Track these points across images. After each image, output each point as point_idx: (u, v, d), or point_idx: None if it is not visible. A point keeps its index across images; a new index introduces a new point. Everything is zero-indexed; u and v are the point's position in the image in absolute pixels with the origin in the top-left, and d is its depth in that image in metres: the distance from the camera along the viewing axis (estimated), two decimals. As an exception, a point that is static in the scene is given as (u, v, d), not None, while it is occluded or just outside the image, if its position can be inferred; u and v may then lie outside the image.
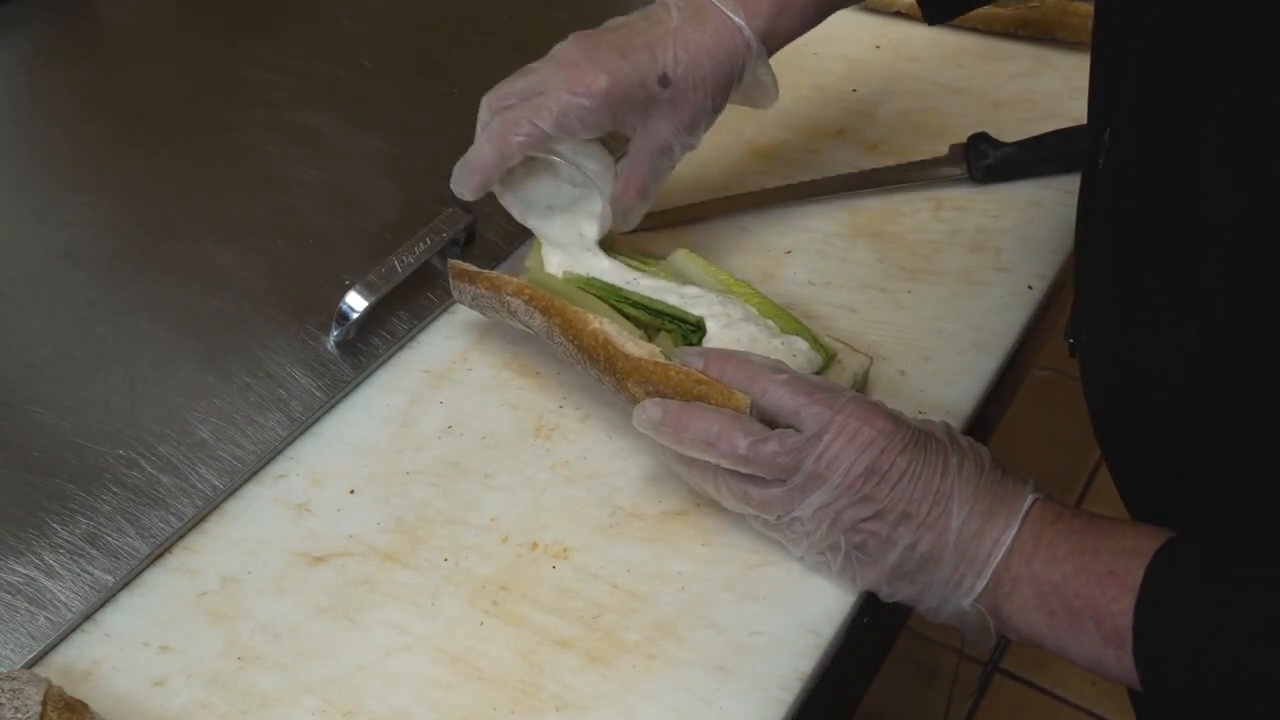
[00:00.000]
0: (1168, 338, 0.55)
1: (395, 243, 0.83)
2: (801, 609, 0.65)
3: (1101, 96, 0.66)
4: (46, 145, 1.00)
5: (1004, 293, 0.83)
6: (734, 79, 0.76)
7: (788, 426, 0.63)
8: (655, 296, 0.76)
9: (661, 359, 0.68)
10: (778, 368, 0.65)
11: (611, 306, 0.76)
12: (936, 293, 0.83)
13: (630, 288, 0.77)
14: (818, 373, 0.72)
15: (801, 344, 0.73)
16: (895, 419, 0.63)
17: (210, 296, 0.83)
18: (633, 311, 0.75)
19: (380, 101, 1.01)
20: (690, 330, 0.74)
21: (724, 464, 0.63)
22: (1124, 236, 0.60)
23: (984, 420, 0.78)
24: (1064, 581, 0.58)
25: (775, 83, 0.79)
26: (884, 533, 0.61)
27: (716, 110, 0.77)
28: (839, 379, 0.73)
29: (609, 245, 0.80)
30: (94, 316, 0.82)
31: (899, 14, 1.08)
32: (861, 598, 0.66)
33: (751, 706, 0.62)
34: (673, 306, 0.75)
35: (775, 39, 0.77)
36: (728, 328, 0.73)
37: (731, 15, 0.74)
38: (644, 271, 0.78)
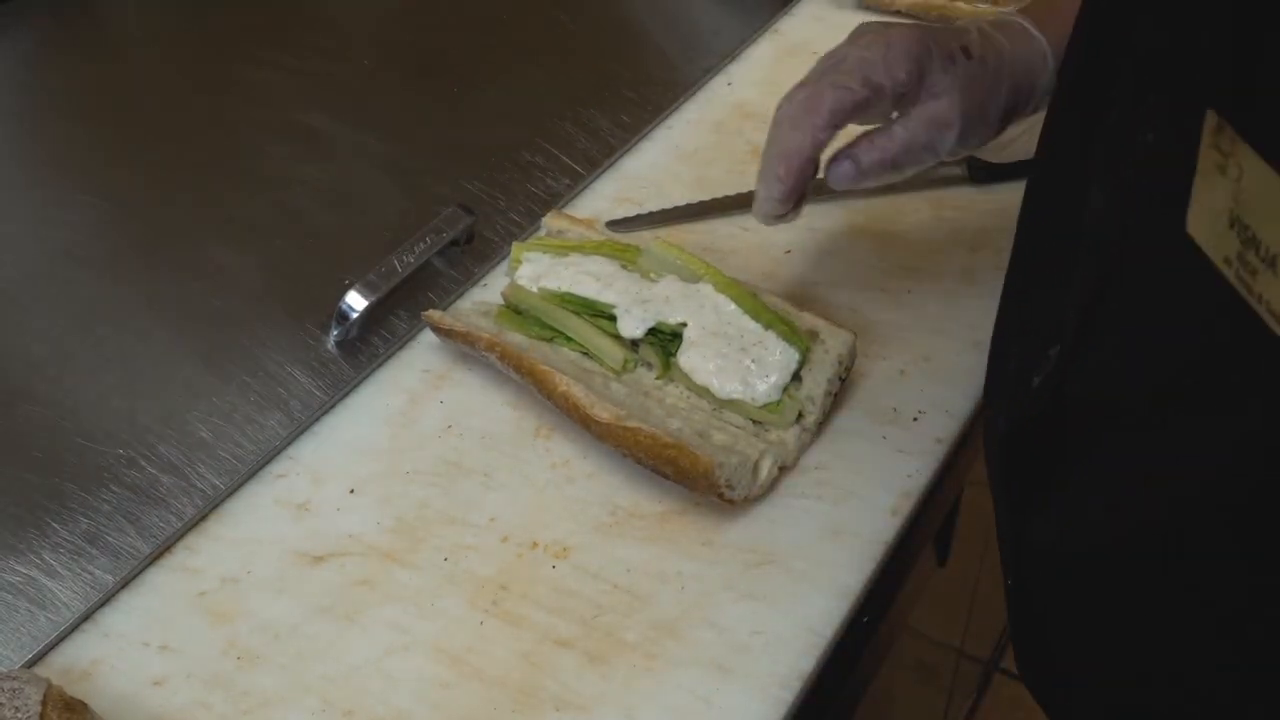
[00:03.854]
0: (1030, 358, 0.55)
1: (395, 242, 0.83)
2: (801, 609, 0.65)
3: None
4: (47, 145, 1.00)
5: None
6: (1026, 91, 0.70)
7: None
8: (634, 303, 0.75)
9: (629, 423, 0.69)
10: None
11: (589, 321, 0.76)
12: (937, 292, 0.83)
13: (603, 297, 0.76)
14: (800, 364, 0.72)
15: (776, 345, 0.72)
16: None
17: (210, 296, 0.83)
18: (610, 327, 0.76)
19: (380, 101, 1.01)
20: (668, 339, 0.74)
21: None
22: (1016, 249, 0.59)
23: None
24: None
25: (1036, 137, 0.72)
26: None
27: (1007, 113, 0.70)
28: (823, 360, 0.72)
29: (593, 242, 0.80)
30: (94, 316, 0.82)
31: (899, 14, 1.08)
32: (861, 597, 0.66)
33: (751, 706, 0.62)
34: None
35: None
36: (699, 342, 0.73)
37: (1030, 27, 0.70)
38: (621, 265, 0.78)
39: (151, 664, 0.65)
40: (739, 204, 0.91)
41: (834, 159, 0.68)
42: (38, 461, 0.72)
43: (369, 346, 0.80)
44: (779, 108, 0.67)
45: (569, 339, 0.77)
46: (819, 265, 0.86)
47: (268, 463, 0.75)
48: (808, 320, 0.74)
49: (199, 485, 0.72)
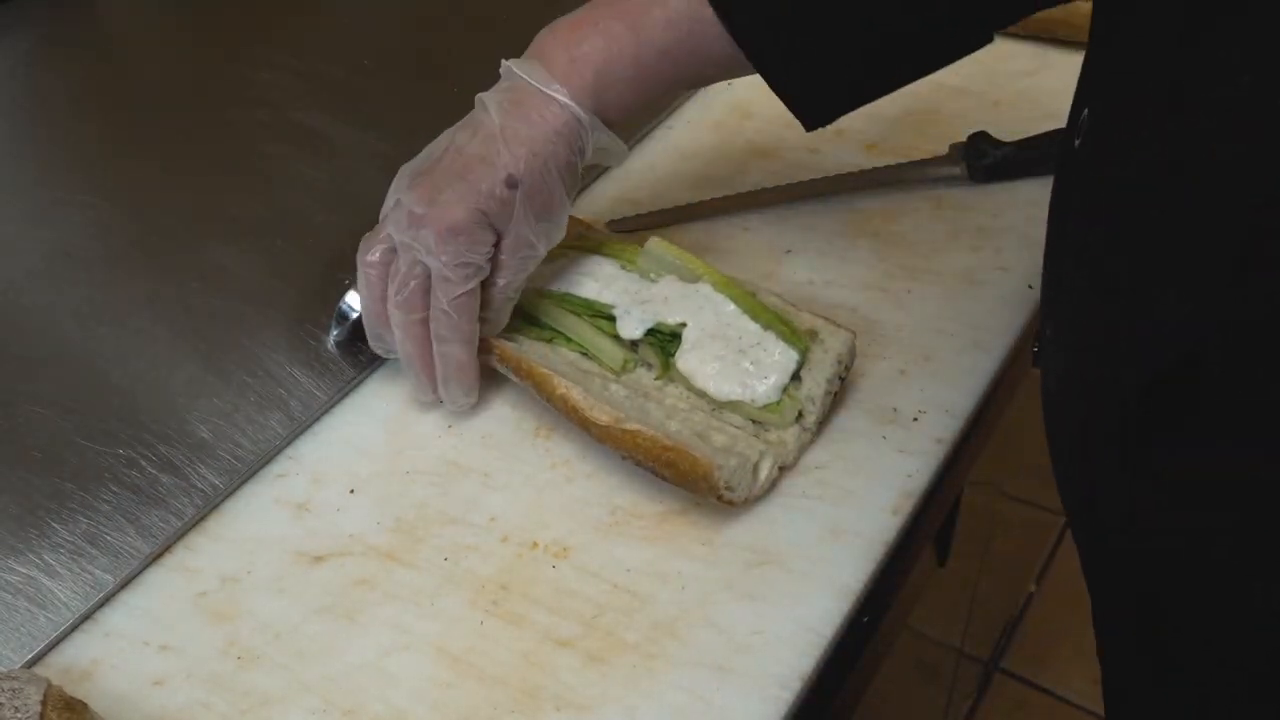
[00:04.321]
0: (1154, 310, 0.53)
1: (395, 242, 0.83)
2: (801, 609, 0.65)
3: (1082, 80, 0.65)
4: (46, 145, 1.00)
5: (1004, 292, 0.83)
6: (577, 155, 0.72)
7: None
8: (633, 303, 0.75)
9: (628, 425, 0.69)
10: None
11: (588, 322, 0.76)
12: (936, 292, 0.83)
13: (602, 298, 0.76)
14: (799, 364, 0.72)
15: (775, 345, 0.72)
16: None
17: (210, 296, 0.83)
18: (609, 327, 0.76)
19: (380, 101, 1.01)
20: (667, 340, 0.74)
21: None
22: (1099, 208, 0.59)
23: (983, 420, 0.78)
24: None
25: (621, 146, 0.75)
26: None
27: (572, 189, 0.74)
28: (822, 360, 0.72)
29: (593, 241, 0.80)
30: (94, 316, 0.82)
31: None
32: (861, 597, 0.66)
33: (751, 706, 0.62)
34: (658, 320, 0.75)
35: (609, 111, 0.72)
36: (699, 344, 0.73)
37: (555, 95, 0.71)
38: (621, 265, 0.78)
39: (151, 664, 0.65)
40: (739, 204, 0.91)
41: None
42: (38, 461, 0.72)
43: (369, 346, 0.80)
44: (399, 313, 0.74)
45: (568, 339, 0.77)
46: (819, 265, 0.86)
47: (267, 462, 0.75)
48: (807, 320, 0.74)
49: (199, 485, 0.72)
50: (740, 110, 1.01)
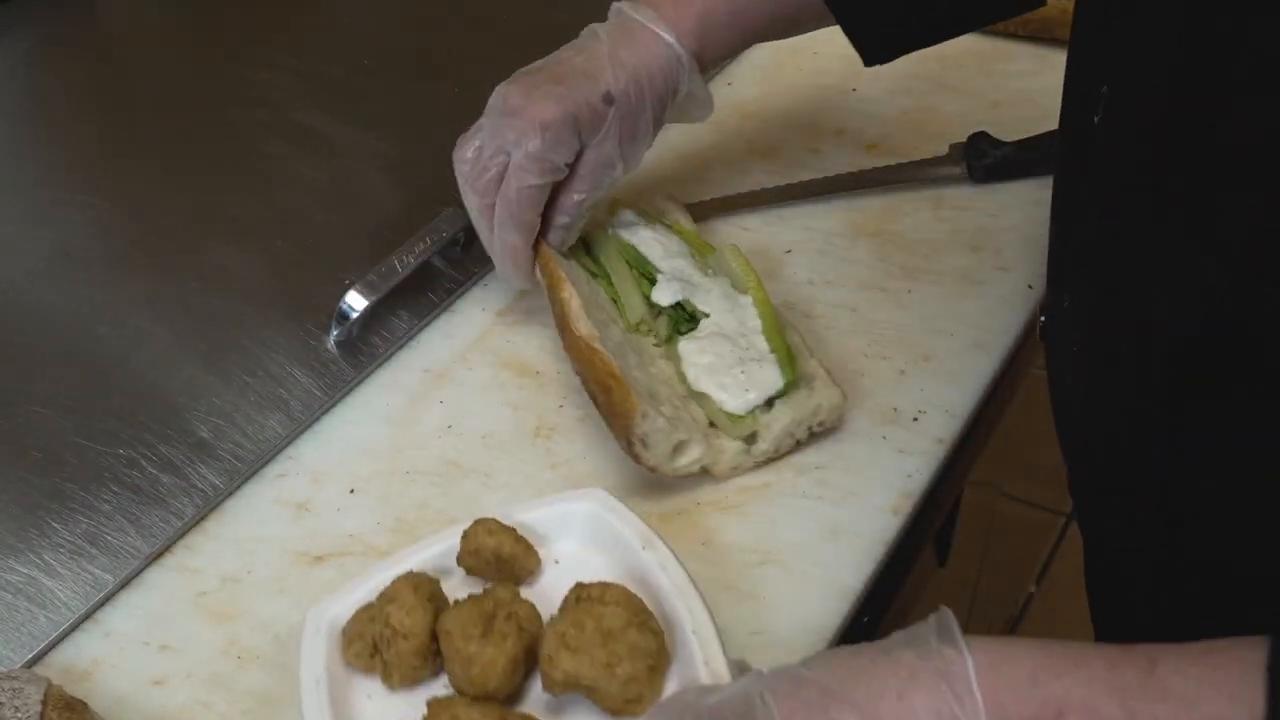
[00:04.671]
0: (1179, 275, 0.52)
1: (395, 242, 0.83)
2: (801, 609, 0.65)
3: (1094, 58, 0.64)
4: (46, 145, 1.00)
5: (1004, 292, 0.83)
6: (670, 93, 0.78)
7: None
8: (678, 280, 0.78)
9: (595, 345, 0.71)
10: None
11: (634, 275, 0.79)
12: (937, 292, 0.83)
13: (658, 263, 0.79)
14: (779, 393, 0.71)
15: (770, 371, 0.72)
16: None
17: (210, 296, 0.83)
18: (646, 288, 0.78)
19: (380, 101, 1.01)
20: (685, 319, 0.76)
21: None
22: (1129, 179, 0.58)
23: (983, 420, 0.78)
24: None
25: (709, 97, 0.80)
26: None
27: (657, 124, 0.78)
28: (802, 402, 0.71)
29: (681, 228, 0.84)
30: (94, 316, 0.82)
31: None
32: (861, 597, 0.66)
33: (751, 706, 0.61)
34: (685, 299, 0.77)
35: (705, 56, 0.78)
36: (709, 338, 0.74)
37: (662, 33, 0.76)
38: (690, 252, 0.81)
39: (152, 663, 0.65)
40: (739, 204, 0.91)
41: (542, 234, 0.78)
42: (38, 461, 0.72)
43: (369, 346, 0.80)
44: (463, 183, 0.77)
45: (609, 282, 0.79)
46: (819, 265, 0.86)
47: (268, 462, 0.75)
48: (813, 366, 0.74)
49: (199, 485, 0.72)
50: (740, 110, 1.01)
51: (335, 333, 0.80)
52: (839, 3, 0.78)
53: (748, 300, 0.76)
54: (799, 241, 0.88)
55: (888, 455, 0.73)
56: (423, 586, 0.62)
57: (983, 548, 1.15)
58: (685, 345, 0.74)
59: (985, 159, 0.91)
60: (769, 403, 0.72)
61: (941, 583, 0.97)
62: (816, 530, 0.69)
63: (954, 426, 0.74)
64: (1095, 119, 0.61)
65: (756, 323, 0.75)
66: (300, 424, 0.76)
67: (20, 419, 0.75)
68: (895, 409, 0.75)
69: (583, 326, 0.73)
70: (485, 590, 0.62)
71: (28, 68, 1.08)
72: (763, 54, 1.07)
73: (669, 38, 0.76)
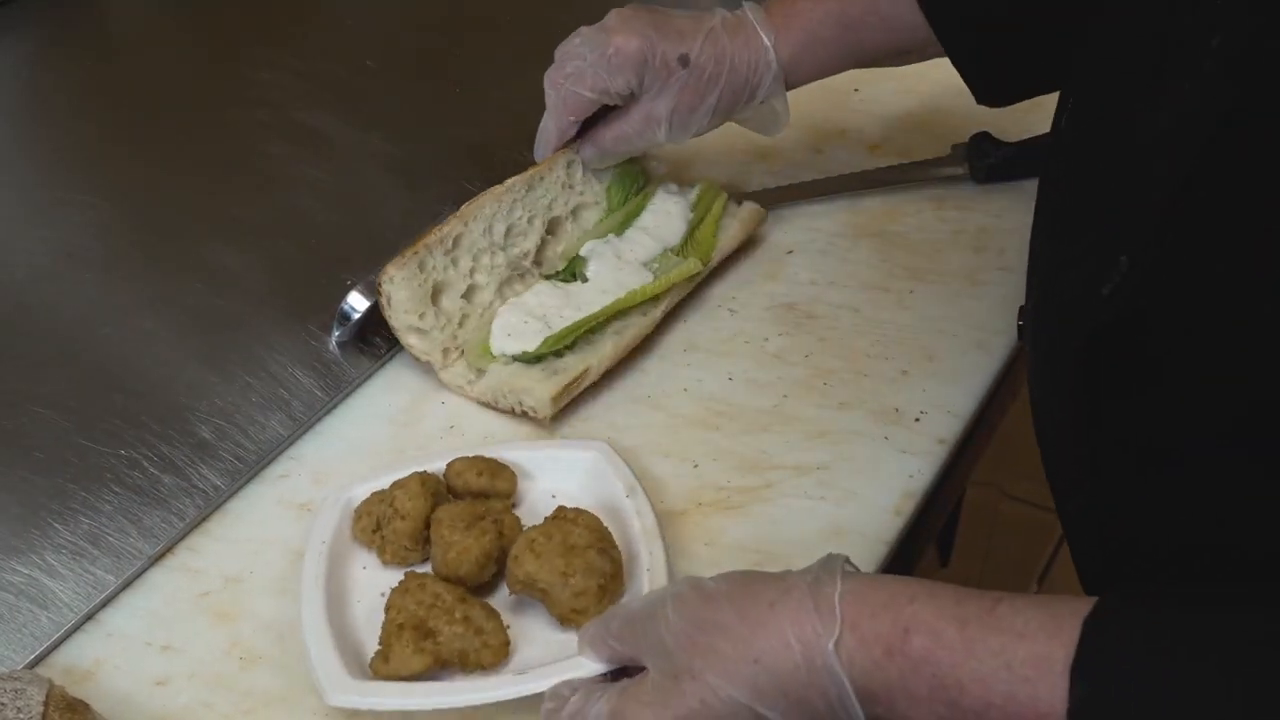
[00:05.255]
0: (1098, 270, 0.54)
1: (397, 242, 0.82)
2: (804, 609, 0.65)
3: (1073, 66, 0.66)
4: (47, 145, 1.00)
5: (1006, 292, 0.82)
6: (747, 92, 0.80)
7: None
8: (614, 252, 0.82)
9: (469, 206, 0.80)
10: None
11: (610, 214, 0.85)
12: (939, 292, 0.83)
13: (632, 233, 0.84)
14: (527, 357, 0.76)
15: (533, 336, 0.77)
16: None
17: (212, 296, 0.83)
18: (608, 225, 0.85)
19: (382, 101, 1.01)
20: (573, 265, 0.82)
21: None
22: (1069, 178, 0.60)
23: (985, 420, 0.78)
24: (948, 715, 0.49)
25: (788, 112, 0.82)
26: None
27: (720, 113, 0.80)
28: (520, 378, 0.75)
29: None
30: (95, 316, 0.82)
31: None
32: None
33: (754, 706, 0.61)
34: None
35: (798, 72, 0.80)
36: (549, 291, 0.80)
37: (763, 34, 0.79)
38: (677, 246, 0.84)
39: (154, 664, 0.65)
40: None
41: (580, 145, 0.84)
42: (40, 462, 0.72)
43: (371, 347, 0.80)
44: (546, 80, 0.81)
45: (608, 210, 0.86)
46: (821, 265, 0.86)
47: (270, 463, 0.75)
48: (587, 364, 0.76)
49: (200, 486, 0.72)
50: (742, 110, 1.01)
51: (337, 333, 0.80)
52: (952, 40, 0.79)
53: (631, 286, 0.79)
54: (801, 242, 0.88)
55: (890, 455, 0.73)
56: (429, 482, 0.68)
57: (985, 548, 1.15)
58: (538, 285, 0.80)
59: (987, 159, 0.91)
60: (531, 363, 0.76)
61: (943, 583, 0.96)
62: (818, 531, 0.69)
63: (956, 427, 0.74)
64: (1061, 121, 0.63)
65: (600, 309, 0.78)
66: (302, 424, 0.76)
67: (22, 419, 0.75)
68: (897, 409, 0.75)
69: (498, 190, 0.80)
70: (484, 499, 0.69)
71: (29, 68, 1.08)
72: (764, 54, 1.07)
73: (767, 41, 0.79)
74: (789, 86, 0.81)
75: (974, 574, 1.15)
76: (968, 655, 0.48)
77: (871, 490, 0.71)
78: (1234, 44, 0.47)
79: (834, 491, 0.71)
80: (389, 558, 0.68)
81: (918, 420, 0.75)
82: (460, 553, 0.64)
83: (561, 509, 0.66)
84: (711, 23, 0.79)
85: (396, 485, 0.68)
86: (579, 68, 0.79)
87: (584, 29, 0.80)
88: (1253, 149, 0.47)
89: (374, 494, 0.70)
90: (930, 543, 0.78)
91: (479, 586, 0.65)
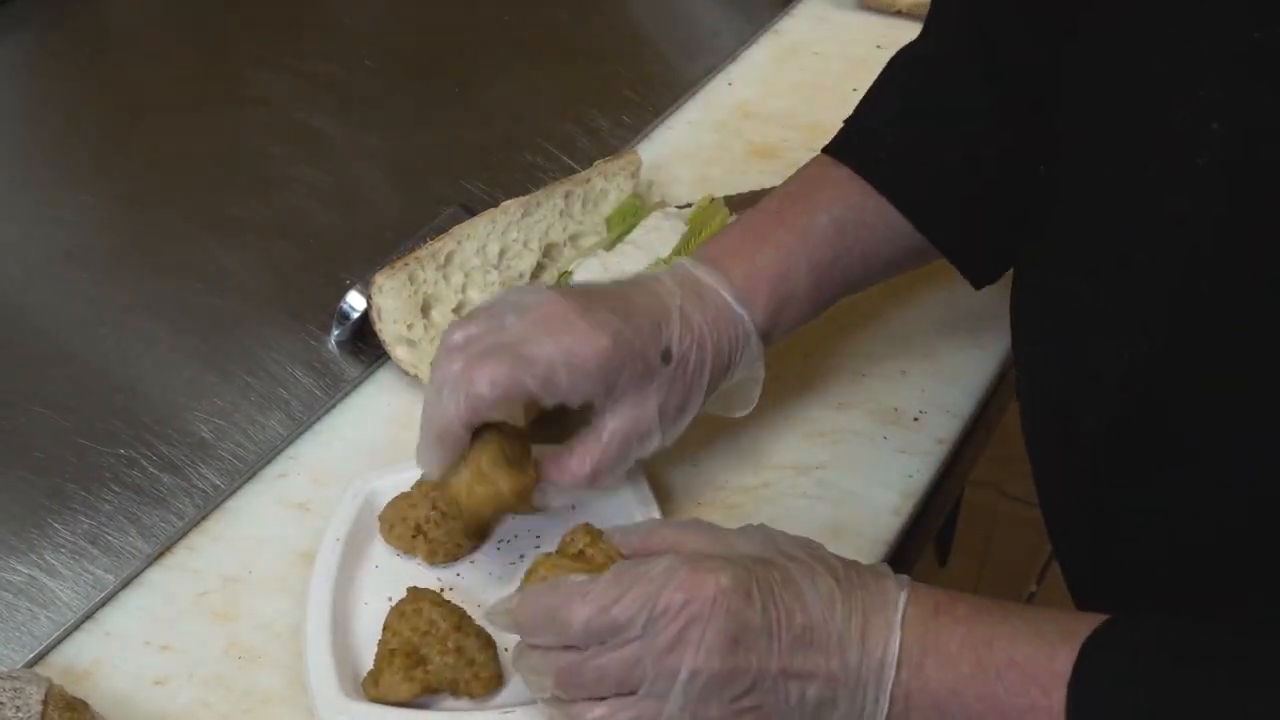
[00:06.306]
0: (1099, 361, 0.54)
1: (396, 242, 0.83)
2: (803, 608, 0.65)
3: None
4: (47, 145, 1.00)
5: (1006, 292, 0.82)
6: (727, 371, 0.66)
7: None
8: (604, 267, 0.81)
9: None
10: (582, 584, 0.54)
11: (601, 241, 0.84)
12: (939, 292, 0.83)
13: (622, 252, 0.82)
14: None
15: None
16: (725, 568, 0.53)
17: (211, 296, 0.83)
18: (583, 250, 0.84)
19: (381, 102, 1.01)
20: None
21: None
22: (1058, 258, 0.59)
23: (985, 420, 0.78)
24: (960, 685, 0.52)
25: (759, 387, 0.69)
26: (768, 701, 0.53)
27: (704, 401, 0.66)
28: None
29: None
30: (95, 316, 0.82)
31: (900, 14, 1.09)
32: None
33: (753, 706, 0.61)
34: None
35: (774, 335, 0.68)
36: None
37: (734, 304, 0.66)
38: (659, 261, 0.82)
39: (153, 663, 0.65)
40: (739, 204, 0.91)
41: (540, 483, 0.65)
42: (39, 462, 0.72)
43: (370, 346, 0.80)
44: (437, 363, 0.63)
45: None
46: (820, 265, 0.86)
47: (269, 463, 0.75)
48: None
49: (200, 485, 0.72)
50: (740, 110, 1.01)
51: (336, 333, 0.80)
52: (949, 244, 0.71)
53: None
54: (800, 241, 0.88)
55: (889, 455, 0.73)
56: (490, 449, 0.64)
57: (984, 548, 1.15)
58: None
59: (986, 159, 0.90)
60: None
61: (942, 583, 0.96)
62: (817, 530, 0.69)
63: (955, 426, 0.74)
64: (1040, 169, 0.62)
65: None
66: (301, 424, 0.76)
67: (21, 419, 0.75)
68: (896, 409, 0.75)
69: (492, 212, 0.80)
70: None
71: (28, 68, 1.08)
72: (763, 54, 1.07)
73: (739, 309, 0.65)
74: (776, 337, 0.69)
75: (972, 574, 1.15)
76: (1002, 619, 0.53)
77: (870, 490, 0.71)
78: (1235, 133, 0.47)
79: (833, 491, 0.71)
80: (441, 558, 0.67)
81: (917, 420, 0.75)
82: (476, 497, 0.63)
83: (589, 531, 0.60)
84: (673, 297, 0.65)
85: (430, 486, 0.66)
86: (535, 346, 0.60)
87: (512, 315, 0.62)
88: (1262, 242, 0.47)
89: (400, 497, 0.68)
90: (929, 543, 0.78)
91: (480, 526, 0.67)
